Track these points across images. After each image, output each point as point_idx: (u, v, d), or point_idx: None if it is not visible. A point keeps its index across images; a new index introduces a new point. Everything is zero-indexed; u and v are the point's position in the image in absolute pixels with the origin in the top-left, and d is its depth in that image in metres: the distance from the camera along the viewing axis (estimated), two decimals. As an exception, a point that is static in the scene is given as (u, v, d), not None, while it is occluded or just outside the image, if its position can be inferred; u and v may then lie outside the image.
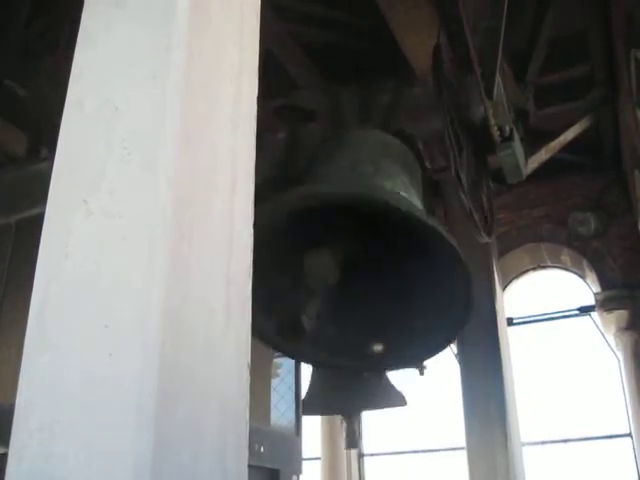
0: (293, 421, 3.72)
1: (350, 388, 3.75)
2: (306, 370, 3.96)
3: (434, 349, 3.41)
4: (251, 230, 1.39)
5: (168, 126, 1.20)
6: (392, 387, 3.80)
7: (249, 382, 1.27)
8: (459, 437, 5.90)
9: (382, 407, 3.93)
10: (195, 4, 1.33)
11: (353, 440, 3.75)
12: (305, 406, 3.73)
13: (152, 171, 1.16)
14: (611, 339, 7.03)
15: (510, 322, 6.97)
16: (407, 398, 4.17)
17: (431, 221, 2.87)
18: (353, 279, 3.16)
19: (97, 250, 1.13)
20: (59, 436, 1.02)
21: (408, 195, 3.04)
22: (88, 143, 1.23)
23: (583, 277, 7.48)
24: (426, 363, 3.90)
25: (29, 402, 1.06)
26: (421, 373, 4.03)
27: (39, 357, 1.08)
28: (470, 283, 2.96)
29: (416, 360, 3.62)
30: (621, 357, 6.93)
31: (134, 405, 1.01)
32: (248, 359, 1.28)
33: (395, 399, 3.84)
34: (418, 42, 3.60)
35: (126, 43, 1.30)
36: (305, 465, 3.74)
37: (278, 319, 3.02)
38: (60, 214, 1.19)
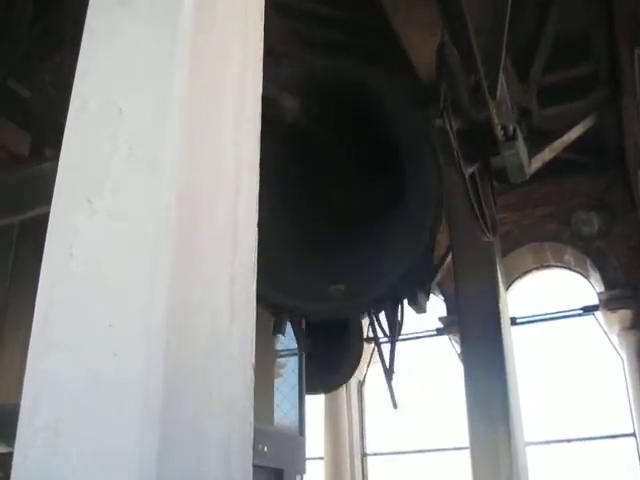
0: (296, 421, 3.72)
1: None
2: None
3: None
4: (255, 230, 1.38)
5: (172, 126, 1.20)
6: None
7: (253, 382, 1.27)
8: (462, 437, 5.90)
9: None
10: (200, 4, 1.33)
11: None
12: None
13: (156, 171, 1.16)
14: (615, 338, 7.01)
15: (513, 322, 6.94)
16: (410, 398, 4.19)
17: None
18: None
19: (101, 250, 1.13)
20: (63, 435, 1.02)
21: None
22: (92, 143, 1.23)
23: (587, 277, 7.45)
24: (423, 361, 3.97)
25: (34, 401, 1.06)
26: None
27: (44, 356, 1.08)
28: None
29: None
30: (625, 356, 6.91)
31: (139, 405, 1.01)
32: (252, 359, 1.28)
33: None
34: (421, 41, 3.60)
35: (131, 42, 1.30)
36: (308, 465, 3.74)
37: None
38: (64, 214, 1.19)
